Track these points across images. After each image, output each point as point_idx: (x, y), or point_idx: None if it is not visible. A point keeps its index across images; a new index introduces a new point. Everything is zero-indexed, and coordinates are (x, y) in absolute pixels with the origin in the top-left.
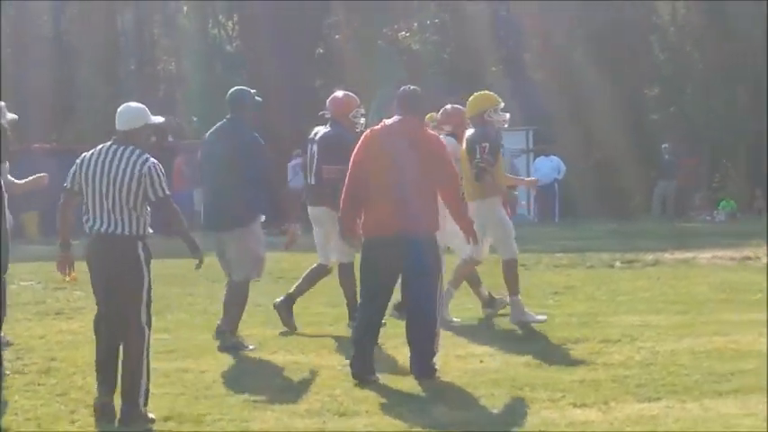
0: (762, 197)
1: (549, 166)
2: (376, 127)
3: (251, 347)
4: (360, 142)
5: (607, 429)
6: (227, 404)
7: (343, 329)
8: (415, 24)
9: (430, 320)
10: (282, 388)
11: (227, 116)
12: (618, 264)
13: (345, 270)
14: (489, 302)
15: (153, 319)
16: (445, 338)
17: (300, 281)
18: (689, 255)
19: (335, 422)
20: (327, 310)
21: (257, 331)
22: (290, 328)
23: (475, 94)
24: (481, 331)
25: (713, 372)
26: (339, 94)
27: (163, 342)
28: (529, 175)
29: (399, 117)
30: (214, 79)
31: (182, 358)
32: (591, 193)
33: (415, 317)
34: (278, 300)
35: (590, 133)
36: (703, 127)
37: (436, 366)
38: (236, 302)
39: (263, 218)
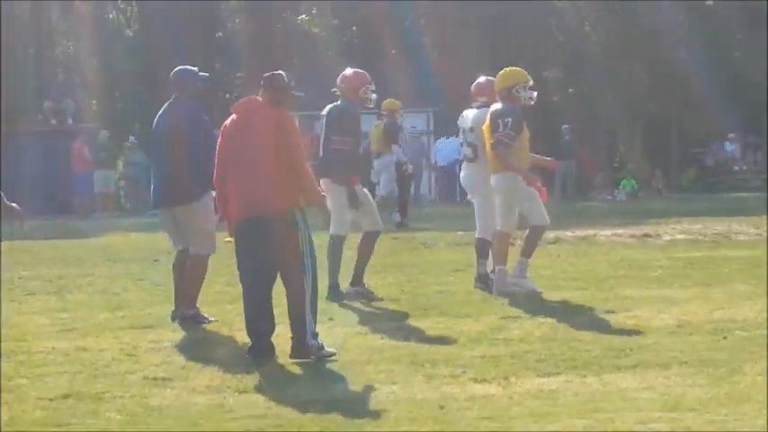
0: (661, 176)
1: (450, 148)
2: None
3: (211, 319)
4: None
5: (507, 404)
6: (126, 382)
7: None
8: (314, 9)
9: (294, 300)
10: (182, 365)
11: (173, 96)
12: (518, 242)
13: (368, 237)
14: (483, 279)
15: (54, 298)
16: (346, 316)
17: (357, 259)
18: (589, 232)
19: (236, 398)
20: (228, 289)
21: (158, 310)
22: (372, 299)
23: (506, 68)
24: (382, 306)
25: (613, 347)
26: (348, 71)
27: (62, 321)
28: (430, 157)
29: (247, 99)
30: (113, 63)
31: (81, 337)
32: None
33: (286, 297)
34: (347, 288)
35: None
36: (602, 108)
37: (313, 346)
38: (195, 276)
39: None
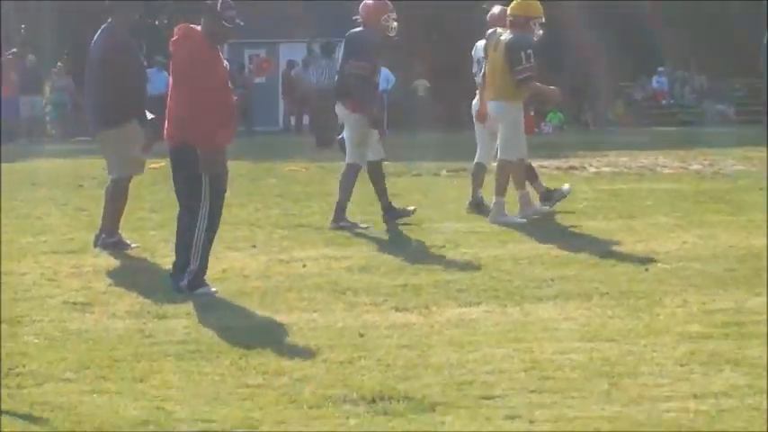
0: (588, 110)
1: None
2: None
3: (133, 246)
4: None
5: (427, 332)
6: (46, 306)
7: (169, 234)
8: None
9: (183, 233)
10: (103, 290)
11: (107, 21)
12: (444, 172)
13: (349, 170)
14: (477, 204)
15: None
16: (268, 243)
17: (375, 189)
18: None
19: (155, 324)
20: (151, 216)
21: (81, 235)
22: (408, 214)
23: None
24: (305, 235)
25: (534, 277)
26: (370, 0)
27: None
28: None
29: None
30: None
31: (2, 261)
32: (419, 103)
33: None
34: (384, 217)
35: (416, 44)
36: None
37: (197, 280)
38: (114, 200)
39: (150, 116)
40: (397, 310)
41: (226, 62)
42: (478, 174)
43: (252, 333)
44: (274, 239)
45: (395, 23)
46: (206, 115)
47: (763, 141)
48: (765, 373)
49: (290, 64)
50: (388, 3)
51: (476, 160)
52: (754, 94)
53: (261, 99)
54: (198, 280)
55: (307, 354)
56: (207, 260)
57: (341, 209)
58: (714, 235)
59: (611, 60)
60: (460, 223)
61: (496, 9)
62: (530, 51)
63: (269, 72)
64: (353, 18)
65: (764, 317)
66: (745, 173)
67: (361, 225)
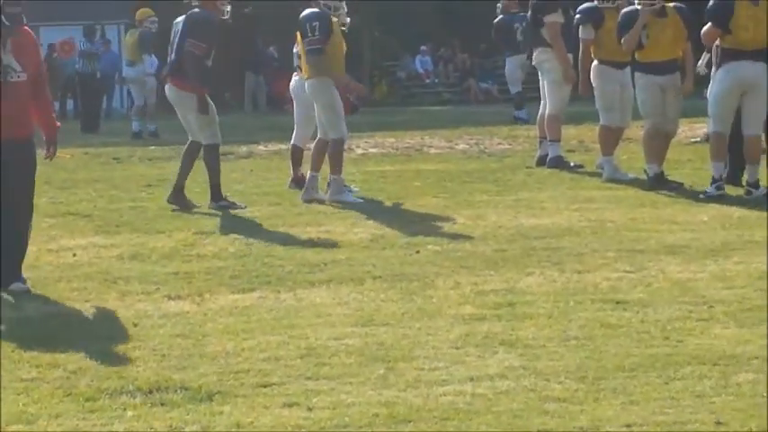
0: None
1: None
2: None
3: (243, 206)
4: None
5: (201, 320)
6: None
7: None
8: None
9: None
10: None
11: None
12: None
13: (208, 150)
14: (298, 182)
15: None
16: (36, 232)
17: (180, 165)
18: (282, 147)
19: None
20: None
21: None
22: (189, 208)
23: None
24: (74, 223)
25: (306, 262)
26: None
27: None
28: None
29: None
30: None
31: None
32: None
33: None
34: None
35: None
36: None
37: None
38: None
39: None
40: (170, 298)
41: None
42: (295, 154)
43: (24, 325)
44: (42, 228)
45: (228, 7)
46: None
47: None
48: (539, 354)
49: (51, 47)
50: None
51: (292, 142)
52: None
53: None
54: None
55: (81, 345)
56: None
57: (217, 189)
58: (483, 215)
59: (374, 40)
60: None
61: None
62: (315, 24)
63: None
64: (185, 1)
65: (536, 297)
66: (512, 151)
67: (241, 205)
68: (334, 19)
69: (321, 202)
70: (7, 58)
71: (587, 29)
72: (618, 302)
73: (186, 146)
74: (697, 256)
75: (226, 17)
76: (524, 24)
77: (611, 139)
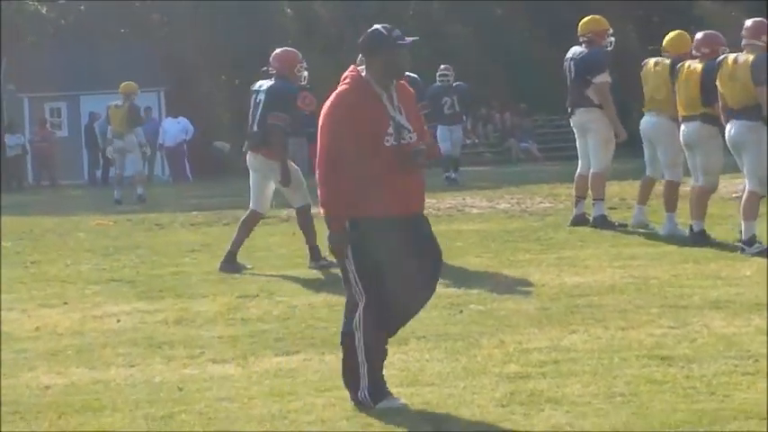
0: None
1: (177, 128)
2: None
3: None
4: None
5: (246, 384)
6: None
7: None
8: None
9: None
10: None
11: None
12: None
13: (301, 213)
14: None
15: None
16: (80, 299)
17: (236, 232)
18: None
19: None
20: None
21: None
22: (240, 271)
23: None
24: (117, 290)
25: None
26: (280, 50)
27: None
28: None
29: None
30: None
31: None
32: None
33: None
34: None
35: (221, 94)
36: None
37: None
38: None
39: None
40: (214, 362)
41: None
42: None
43: (70, 391)
44: (87, 295)
45: (305, 72)
46: None
47: (568, 178)
48: (585, 411)
49: (93, 116)
50: (298, 53)
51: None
52: (556, 131)
53: (64, 152)
54: (366, 395)
55: (127, 410)
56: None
57: (315, 249)
58: (526, 274)
59: None
60: (272, 272)
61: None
62: None
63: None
64: (263, 69)
65: (580, 354)
66: (553, 210)
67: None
68: None
69: None
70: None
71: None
72: (663, 358)
73: (246, 214)
74: (741, 311)
75: (303, 82)
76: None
77: (675, 194)
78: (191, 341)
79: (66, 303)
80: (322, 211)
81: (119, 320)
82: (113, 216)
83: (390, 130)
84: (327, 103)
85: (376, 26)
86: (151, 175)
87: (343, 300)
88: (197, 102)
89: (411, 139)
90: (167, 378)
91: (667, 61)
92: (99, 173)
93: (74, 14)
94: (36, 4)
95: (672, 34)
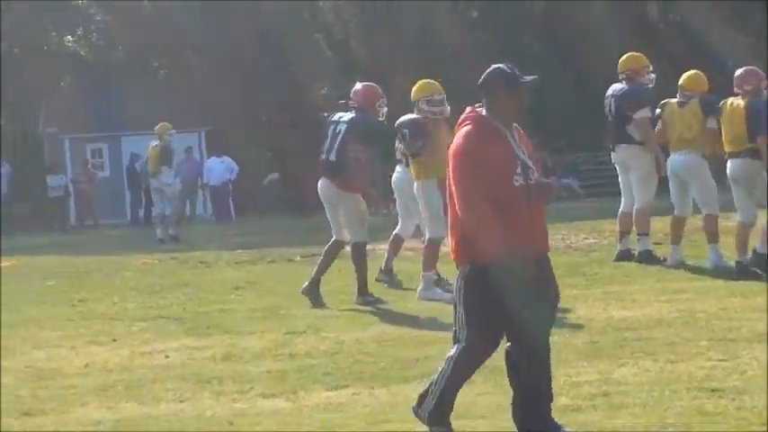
0: None
1: (221, 167)
2: None
3: (383, 301)
4: None
5: (296, 418)
6: None
7: None
8: (80, 29)
9: None
10: None
11: None
12: (298, 258)
13: (357, 248)
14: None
15: None
16: (128, 336)
17: (320, 260)
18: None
19: (22, 420)
20: None
21: None
22: (320, 305)
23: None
24: (165, 326)
25: (399, 358)
26: (360, 85)
27: None
28: (202, 177)
29: None
30: None
31: None
32: (268, 190)
33: None
34: (304, 285)
35: (261, 133)
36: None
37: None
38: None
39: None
40: (264, 396)
41: None
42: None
43: (120, 426)
44: (134, 332)
45: (385, 109)
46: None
47: (611, 214)
48: None
49: (134, 157)
50: (378, 89)
51: (396, 231)
52: (597, 167)
53: (106, 192)
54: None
55: None
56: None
57: (364, 285)
58: (573, 308)
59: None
60: (319, 308)
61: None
62: (405, 131)
63: None
64: (341, 101)
65: (630, 387)
66: (597, 245)
67: (383, 299)
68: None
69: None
70: None
71: (712, 120)
72: (713, 390)
73: (330, 243)
74: None
75: (382, 119)
76: None
77: (715, 227)
78: (239, 376)
79: (114, 340)
80: (484, 257)
81: (167, 356)
82: (158, 255)
83: (519, 170)
84: (456, 145)
85: (498, 65)
86: (194, 214)
87: (392, 335)
88: (237, 141)
89: (535, 177)
90: (218, 413)
91: (695, 100)
92: (141, 212)
93: (115, 55)
94: (75, 45)
95: (689, 73)
